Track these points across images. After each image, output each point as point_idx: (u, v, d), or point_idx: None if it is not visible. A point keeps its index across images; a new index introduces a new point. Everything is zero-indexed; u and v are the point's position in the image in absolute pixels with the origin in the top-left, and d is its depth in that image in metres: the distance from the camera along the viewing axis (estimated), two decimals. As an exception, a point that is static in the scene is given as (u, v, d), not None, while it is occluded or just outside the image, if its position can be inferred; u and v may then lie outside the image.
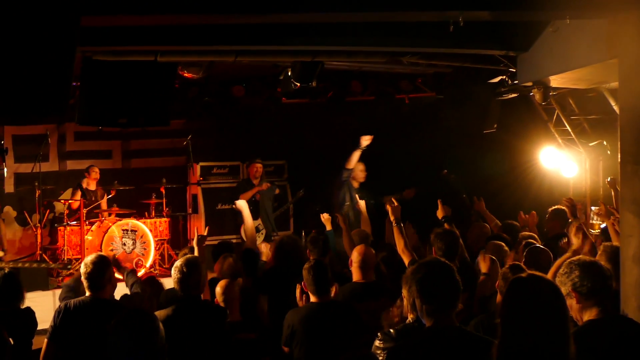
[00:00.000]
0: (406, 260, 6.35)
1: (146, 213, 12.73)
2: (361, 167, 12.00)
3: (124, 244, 11.78)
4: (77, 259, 11.24)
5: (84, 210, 11.67)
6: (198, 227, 12.59)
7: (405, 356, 3.76)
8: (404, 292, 4.75)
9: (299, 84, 9.79)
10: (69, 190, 12.87)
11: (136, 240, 11.98)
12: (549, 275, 5.08)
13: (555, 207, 8.84)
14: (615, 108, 8.94)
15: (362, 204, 9.54)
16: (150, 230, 12.22)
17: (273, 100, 12.23)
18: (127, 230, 11.94)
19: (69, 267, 10.98)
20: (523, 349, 3.18)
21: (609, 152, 10.54)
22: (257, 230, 11.64)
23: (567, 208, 7.48)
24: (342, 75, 11.85)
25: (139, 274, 11.31)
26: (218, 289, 6.13)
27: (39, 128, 12.47)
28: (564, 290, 3.83)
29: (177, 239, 13.30)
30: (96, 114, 8.87)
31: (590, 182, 11.22)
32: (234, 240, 11.60)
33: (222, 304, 6.06)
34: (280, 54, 8.76)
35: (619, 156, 6.07)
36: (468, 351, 3.69)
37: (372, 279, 6.54)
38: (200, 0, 5.89)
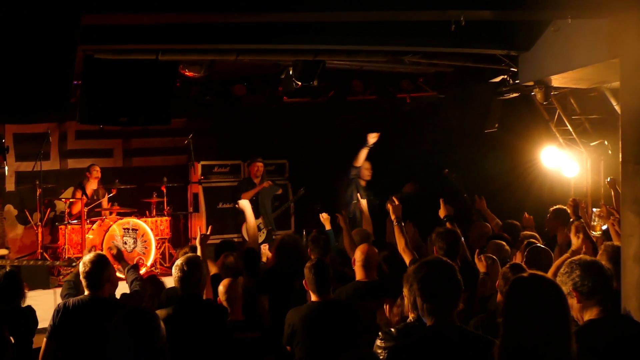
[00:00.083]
0: (407, 260, 6.36)
1: (147, 212, 12.72)
2: (367, 165, 12.07)
3: (125, 243, 11.78)
4: (78, 258, 11.23)
5: (85, 209, 11.67)
6: (200, 226, 12.57)
7: (405, 355, 3.76)
8: (405, 291, 4.76)
9: (300, 83, 9.79)
10: (70, 189, 12.86)
11: (137, 239, 11.97)
12: (549, 275, 5.07)
13: (557, 206, 8.84)
14: (617, 108, 8.94)
15: (363, 202, 9.55)
16: (151, 229, 12.22)
17: (274, 99, 12.24)
18: (128, 229, 11.93)
19: (74, 264, 10.99)
20: (524, 349, 3.18)
21: (610, 152, 10.53)
22: (259, 229, 11.65)
23: (570, 208, 7.49)
24: (344, 74, 11.86)
25: (140, 272, 11.33)
26: (221, 288, 6.13)
27: (40, 126, 12.46)
28: (564, 289, 3.82)
29: (178, 237, 13.30)
30: (97, 112, 8.86)
31: (592, 182, 11.21)
32: (236, 239, 11.60)
33: (224, 303, 6.06)
34: (282, 52, 8.76)
35: (620, 156, 6.06)
36: (469, 350, 3.69)
37: (375, 278, 6.55)
38: (201, -1, 5.90)
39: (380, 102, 12.65)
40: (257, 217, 11.69)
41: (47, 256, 11.70)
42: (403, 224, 6.66)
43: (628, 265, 5.73)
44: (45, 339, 5.65)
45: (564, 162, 11.28)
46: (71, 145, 13.51)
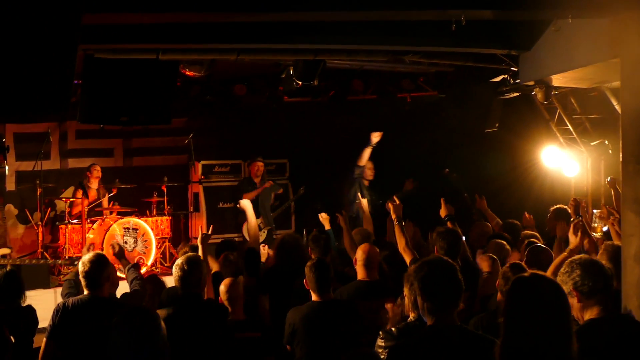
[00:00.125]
0: (407, 259, 6.35)
1: (147, 211, 12.73)
2: (370, 165, 12.11)
3: (126, 242, 11.78)
4: (79, 257, 11.22)
5: (86, 209, 11.68)
6: (201, 225, 12.57)
7: (406, 355, 3.76)
8: (406, 291, 4.77)
9: (300, 83, 9.80)
10: (71, 189, 12.87)
11: (137, 239, 11.98)
12: (548, 274, 5.07)
13: (557, 206, 8.84)
14: (617, 107, 8.94)
15: (364, 202, 9.54)
16: (152, 229, 12.22)
17: (275, 99, 12.24)
18: (128, 228, 11.93)
19: (75, 263, 10.99)
20: (526, 348, 3.18)
21: (610, 152, 10.54)
22: (259, 228, 11.65)
23: (571, 207, 7.50)
24: (344, 74, 11.86)
25: (141, 271, 11.33)
26: (222, 287, 6.13)
27: (40, 126, 12.46)
28: (565, 289, 3.82)
29: (178, 237, 13.29)
30: (98, 112, 8.86)
31: (592, 182, 11.22)
32: (236, 239, 11.60)
33: (226, 302, 6.06)
34: (282, 52, 8.76)
35: (621, 155, 6.07)
36: (469, 350, 3.69)
37: (376, 277, 6.55)
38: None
39: (381, 102, 12.64)
40: (257, 217, 11.70)
41: (47, 256, 11.70)
42: (403, 223, 6.65)
43: (628, 265, 5.73)
44: (44, 339, 5.65)
45: (564, 162, 11.29)
46: (71, 144, 13.51)
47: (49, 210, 12.30)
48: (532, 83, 9.00)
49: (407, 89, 12.45)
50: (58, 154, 13.36)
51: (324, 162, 13.72)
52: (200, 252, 6.54)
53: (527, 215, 9.58)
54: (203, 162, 13.40)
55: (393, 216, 6.77)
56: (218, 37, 7.57)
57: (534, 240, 7.54)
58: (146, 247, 12.05)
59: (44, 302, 8.78)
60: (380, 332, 4.76)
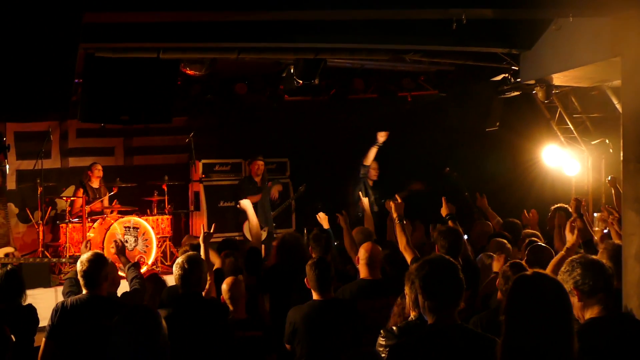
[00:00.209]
0: (408, 258, 6.35)
1: (148, 210, 12.72)
2: (374, 165, 12.13)
3: (126, 241, 11.77)
4: (80, 256, 11.21)
5: (87, 208, 11.68)
6: (203, 224, 12.54)
7: (406, 354, 3.75)
8: (407, 289, 4.77)
9: (301, 82, 9.80)
10: (72, 188, 12.87)
11: (138, 238, 11.97)
12: (547, 272, 5.07)
13: (558, 205, 8.84)
14: (618, 106, 8.95)
15: (364, 201, 9.54)
16: (152, 228, 12.21)
17: (275, 97, 12.23)
18: (129, 227, 11.93)
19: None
20: (527, 347, 3.17)
21: (611, 151, 10.55)
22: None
23: (572, 206, 7.50)
24: (345, 72, 11.85)
25: (141, 271, 11.33)
26: (224, 286, 6.13)
27: (41, 125, 12.45)
28: (565, 288, 3.82)
29: (179, 236, 13.24)
30: (98, 111, 8.87)
31: (593, 181, 11.24)
32: (237, 238, 11.60)
33: (227, 301, 6.05)
34: (283, 51, 8.76)
35: (622, 154, 6.07)
36: (470, 349, 3.68)
37: (379, 276, 6.54)
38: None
39: (382, 101, 12.64)
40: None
41: (48, 254, 11.70)
42: (404, 223, 6.65)
43: (629, 264, 5.73)
44: (44, 339, 5.65)
45: (565, 161, 11.30)
46: (72, 143, 13.50)
47: (49, 209, 12.29)
48: (532, 82, 9.00)
49: (407, 87, 12.44)
50: (59, 152, 13.35)
51: (325, 161, 13.72)
52: (202, 251, 6.54)
53: (526, 213, 9.58)
54: (204, 161, 13.39)
55: (394, 215, 6.76)
56: (219, 36, 7.58)
57: (535, 239, 7.54)
58: (147, 246, 12.04)
59: (44, 301, 8.78)
60: (382, 331, 4.76)
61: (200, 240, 6.74)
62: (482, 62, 9.20)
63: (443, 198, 7.43)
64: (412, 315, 4.78)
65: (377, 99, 12.61)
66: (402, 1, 6.16)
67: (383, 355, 4.50)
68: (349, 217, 7.99)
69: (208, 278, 6.15)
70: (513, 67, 8.96)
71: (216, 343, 5.56)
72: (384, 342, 4.64)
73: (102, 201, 12.30)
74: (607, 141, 10.64)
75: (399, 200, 6.89)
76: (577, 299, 3.96)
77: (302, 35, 7.69)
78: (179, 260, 5.72)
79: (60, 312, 5.64)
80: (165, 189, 12.75)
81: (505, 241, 7.43)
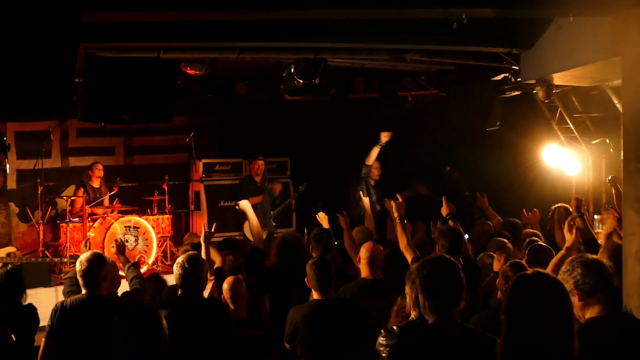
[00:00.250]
0: (409, 258, 6.35)
1: (148, 210, 12.72)
2: (377, 165, 12.13)
3: (127, 241, 11.77)
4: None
5: (87, 207, 11.68)
6: (204, 223, 12.55)
7: (406, 353, 3.75)
8: (407, 289, 4.77)
9: (301, 81, 9.80)
10: (72, 187, 12.87)
11: (138, 237, 11.97)
12: (547, 272, 5.08)
13: (558, 204, 8.84)
14: (618, 106, 8.95)
15: (365, 201, 9.54)
16: (153, 227, 12.21)
17: (276, 97, 12.24)
18: (129, 227, 11.93)
19: (78, 261, 10.99)
20: (527, 346, 3.17)
21: (611, 150, 10.55)
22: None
23: (573, 206, 7.50)
24: (345, 72, 11.86)
25: (142, 270, 11.32)
26: (225, 286, 6.13)
27: (41, 124, 12.46)
28: (566, 287, 3.82)
29: (179, 235, 13.25)
30: (99, 110, 8.87)
31: (593, 180, 11.24)
32: (238, 237, 11.60)
33: (229, 301, 6.05)
34: (283, 50, 8.76)
35: (622, 154, 6.07)
36: (470, 348, 3.68)
37: (380, 275, 6.54)
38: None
39: (382, 100, 12.65)
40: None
41: (48, 254, 11.70)
42: (405, 222, 6.65)
43: (629, 264, 5.73)
44: (43, 339, 5.66)
45: (565, 160, 11.30)
46: (73, 143, 13.50)
47: (50, 208, 12.29)
48: (533, 81, 9.00)
49: (408, 87, 12.46)
50: (59, 152, 13.35)
51: (325, 160, 13.72)
52: (203, 250, 6.53)
53: (525, 212, 9.57)
54: (204, 160, 13.40)
55: (395, 214, 6.76)
56: (219, 36, 7.58)
57: (536, 238, 7.54)
58: (147, 246, 12.05)
59: (44, 301, 8.79)
60: (382, 331, 4.76)
61: (201, 239, 6.74)
62: (482, 61, 9.21)
63: (443, 198, 7.43)
64: (413, 314, 4.78)
65: (377, 98, 12.62)
66: (402, 0, 6.16)
67: (383, 354, 4.50)
68: (350, 217, 7.99)
69: (209, 278, 6.15)
70: (513, 67, 8.96)
71: (216, 343, 5.56)
72: (384, 342, 4.64)
73: (102, 201, 12.30)
74: (607, 141, 10.63)
75: (400, 200, 6.88)
76: (577, 298, 3.96)
77: (302, 34, 7.69)
78: (180, 259, 5.72)
79: (59, 312, 5.65)
80: (166, 189, 12.75)
81: (505, 240, 7.43)
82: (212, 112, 13.33)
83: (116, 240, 7.17)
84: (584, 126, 11.08)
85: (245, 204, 9.03)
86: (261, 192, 12.26)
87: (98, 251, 6.25)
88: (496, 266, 6.52)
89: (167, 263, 12.31)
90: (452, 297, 3.76)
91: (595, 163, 11.19)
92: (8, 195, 12.22)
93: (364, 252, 6.54)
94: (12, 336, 4.79)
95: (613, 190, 8.54)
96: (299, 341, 5.79)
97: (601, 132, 10.78)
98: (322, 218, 8.31)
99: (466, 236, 7.72)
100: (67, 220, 11.71)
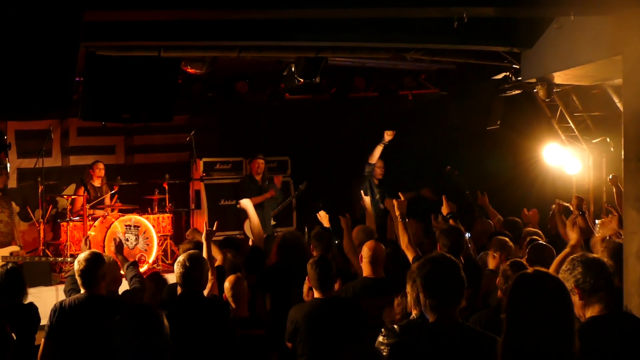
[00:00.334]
0: (410, 256, 6.35)
1: (149, 209, 12.73)
2: (380, 164, 12.14)
3: (127, 240, 11.78)
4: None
5: (87, 206, 11.68)
6: (205, 222, 12.53)
7: (407, 352, 3.75)
8: (408, 288, 4.77)
9: (302, 80, 9.79)
10: (72, 186, 12.87)
11: (139, 236, 11.98)
12: (550, 271, 5.08)
13: (558, 201, 8.86)
14: (619, 105, 8.95)
15: (366, 200, 9.54)
16: (153, 226, 12.22)
17: (276, 96, 12.23)
18: (130, 225, 11.93)
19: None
20: (528, 346, 3.17)
21: (612, 149, 10.54)
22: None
23: (573, 204, 7.51)
24: (346, 71, 11.85)
25: (142, 269, 11.33)
26: (227, 285, 6.13)
27: (42, 123, 12.46)
28: (566, 286, 3.82)
29: (180, 234, 13.25)
30: (99, 109, 8.87)
31: (594, 179, 11.23)
32: (238, 236, 11.60)
33: (230, 300, 6.05)
34: (284, 49, 8.76)
35: (623, 153, 6.07)
36: (471, 348, 3.68)
37: (382, 274, 6.54)
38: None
39: (383, 99, 12.64)
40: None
41: (49, 253, 11.71)
42: (407, 221, 6.65)
43: (630, 263, 5.73)
44: (43, 339, 5.66)
45: (566, 159, 11.30)
46: (73, 142, 13.50)
47: (50, 207, 12.30)
48: (534, 80, 9.00)
49: (408, 86, 12.45)
50: (60, 151, 13.34)
51: (326, 159, 13.71)
52: (204, 249, 6.53)
53: (526, 211, 9.58)
54: (204, 159, 13.40)
55: (397, 213, 6.75)
56: (220, 35, 7.58)
57: (536, 237, 7.54)
58: (147, 245, 12.05)
59: (45, 300, 8.78)
60: (382, 329, 4.76)
61: (203, 238, 6.74)
62: (483, 60, 9.21)
63: (444, 197, 7.44)
64: (414, 313, 4.78)
65: (378, 97, 12.61)
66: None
67: (384, 353, 4.50)
68: (353, 216, 7.99)
69: (210, 276, 6.15)
70: (514, 66, 8.97)
71: (217, 342, 5.56)
72: (384, 341, 4.64)
73: (103, 199, 12.30)
74: (608, 140, 10.63)
75: (402, 199, 6.88)
76: (578, 297, 3.96)
77: (303, 33, 7.69)
78: (180, 258, 5.72)
79: (58, 313, 5.65)
80: (166, 188, 12.75)
81: (507, 239, 7.42)
82: (212, 111, 13.33)
83: (114, 240, 7.17)
84: (584, 125, 11.07)
85: (246, 203, 9.04)
86: (262, 191, 12.25)
87: (96, 250, 6.25)
88: (491, 264, 6.53)
89: (167, 262, 12.31)
90: (452, 296, 3.76)
91: (595, 162, 11.18)
92: (9, 194, 12.23)
93: (365, 251, 6.53)
94: (13, 335, 4.79)
95: (614, 189, 8.54)
96: (299, 340, 5.79)
97: (602, 131, 10.77)
98: (323, 217, 8.31)
99: (468, 235, 7.73)
100: (68, 219, 11.72)
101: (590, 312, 3.98)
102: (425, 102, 12.73)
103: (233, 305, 6.03)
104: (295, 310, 5.88)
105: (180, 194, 13.57)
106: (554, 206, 9.15)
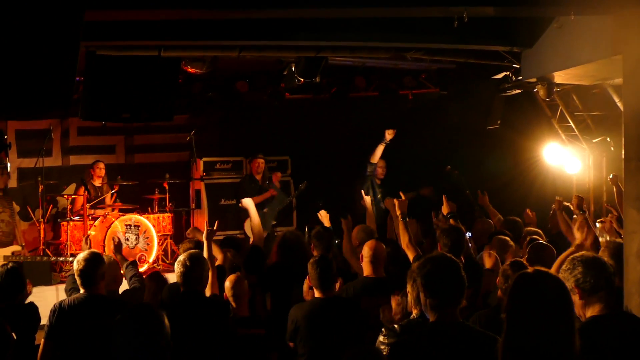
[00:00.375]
0: (410, 256, 6.35)
1: (149, 208, 12.73)
2: (382, 163, 12.14)
3: (127, 239, 11.78)
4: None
5: (88, 206, 11.68)
6: (206, 221, 12.53)
7: (407, 351, 3.76)
8: (409, 287, 4.77)
9: (302, 80, 9.79)
10: (73, 185, 12.87)
11: (139, 236, 11.98)
12: (552, 271, 5.08)
13: (558, 197, 8.86)
14: (619, 104, 8.94)
15: (367, 199, 9.53)
16: (154, 226, 12.22)
17: (277, 95, 12.22)
18: (130, 225, 11.93)
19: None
20: (528, 345, 3.17)
21: (612, 149, 10.54)
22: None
23: (574, 204, 7.51)
24: (346, 71, 11.84)
25: (142, 269, 11.33)
26: (227, 284, 6.13)
27: (42, 123, 12.45)
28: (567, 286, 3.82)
29: (180, 234, 13.26)
30: (100, 109, 8.87)
31: (594, 179, 11.23)
32: (238, 235, 11.60)
33: (231, 299, 6.05)
34: (284, 49, 8.76)
35: (623, 152, 6.06)
36: (471, 347, 3.68)
37: (383, 274, 6.53)
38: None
39: (383, 99, 12.62)
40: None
41: (49, 252, 11.72)
42: (408, 220, 6.65)
43: (630, 262, 5.73)
44: (43, 340, 5.66)
45: (566, 159, 11.29)
46: (73, 141, 13.50)
47: (50, 207, 12.30)
48: (534, 80, 9.00)
49: (409, 86, 12.45)
50: (60, 150, 13.35)
51: (326, 159, 13.70)
52: (205, 248, 6.53)
53: (528, 211, 9.58)
54: (205, 159, 13.39)
55: (397, 212, 6.75)
56: (220, 34, 7.58)
57: (537, 237, 7.54)
58: (148, 244, 12.05)
59: (45, 299, 8.78)
60: (383, 329, 4.76)
61: (204, 237, 6.74)
62: (483, 60, 9.21)
63: (444, 196, 7.43)
64: (414, 313, 4.79)
65: (378, 97, 12.60)
66: (403, -1, 6.17)
67: (384, 352, 4.50)
68: (355, 216, 7.98)
69: (210, 276, 6.14)
70: (514, 65, 8.97)
71: (217, 341, 5.56)
72: (385, 340, 4.64)
73: (104, 199, 12.30)
74: (608, 139, 10.63)
75: (403, 197, 6.88)
76: (578, 297, 3.96)
77: (303, 33, 7.69)
78: (181, 257, 5.73)
79: (57, 313, 5.65)
80: (167, 187, 12.75)
81: (508, 238, 7.43)
82: (212, 110, 13.31)
83: (113, 239, 7.17)
84: (584, 125, 11.07)
85: (248, 202, 9.03)
86: (262, 191, 12.25)
87: (95, 250, 6.25)
88: (487, 263, 6.52)
89: (167, 261, 12.31)
90: (453, 295, 3.76)
91: (596, 162, 11.18)
92: (9, 193, 12.23)
93: (366, 251, 6.53)
94: (13, 335, 4.79)
95: (614, 189, 8.54)
96: (300, 339, 5.79)
97: (602, 130, 10.77)
98: (324, 216, 8.30)
99: (469, 234, 7.73)
100: (68, 218, 11.72)
101: (591, 312, 3.98)
102: (425, 102, 12.72)
103: (233, 304, 6.03)
104: (295, 310, 5.88)
105: (181, 194, 13.57)
106: (554, 205, 9.15)
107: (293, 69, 9.95)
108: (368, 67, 11.58)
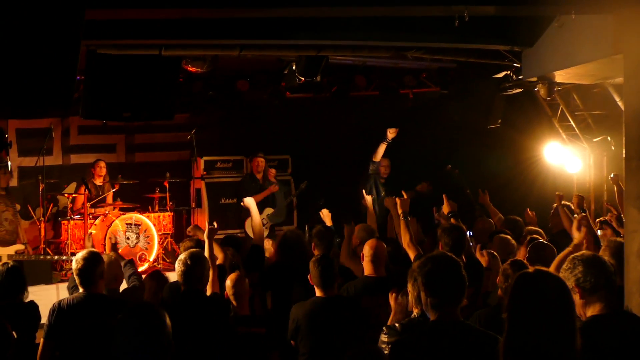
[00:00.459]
0: (412, 255, 6.35)
1: (150, 207, 12.74)
2: (385, 162, 12.15)
3: (128, 238, 11.79)
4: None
5: (88, 205, 11.69)
6: (206, 221, 12.54)
7: (407, 350, 3.76)
8: (409, 286, 4.77)
9: (303, 79, 9.79)
10: (73, 184, 12.87)
11: (140, 235, 11.98)
12: (551, 269, 5.07)
13: (558, 193, 8.88)
14: (620, 104, 8.94)
15: (368, 199, 9.54)
16: (154, 225, 12.22)
17: (277, 94, 12.21)
18: (130, 224, 11.94)
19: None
20: (529, 345, 3.17)
21: (613, 148, 10.54)
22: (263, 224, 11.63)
23: (574, 203, 7.51)
24: (347, 70, 11.84)
25: (143, 268, 11.34)
26: (228, 283, 6.13)
27: (43, 122, 12.45)
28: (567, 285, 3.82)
29: (180, 233, 13.26)
30: (100, 107, 8.87)
31: (594, 178, 11.23)
32: (239, 234, 11.61)
33: (231, 298, 6.05)
34: (285, 48, 8.75)
35: (624, 152, 6.06)
36: (471, 346, 3.68)
37: (384, 273, 6.53)
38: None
39: (383, 98, 12.61)
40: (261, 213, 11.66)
41: (49, 251, 11.72)
42: (409, 219, 6.65)
43: (631, 262, 5.73)
44: (42, 339, 5.66)
45: (566, 158, 11.29)
46: (74, 140, 13.51)
47: (51, 206, 12.32)
48: (534, 79, 9.00)
49: (409, 85, 12.44)
50: (60, 149, 13.36)
51: (326, 158, 13.71)
52: (206, 247, 6.53)
53: (529, 211, 9.58)
54: (205, 158, 13.40)
55: (399, 211, 6.75)
56: (221, 33, 7.57)
57: (537, 236, 7.53)
58: (148, 243, 12.06)
59: (45, 298, 8.78)
60: (384, 328, 4.76)
61: (205, 236, 6.74)
62: (484, 59, 9.20)
63: (444, 196, 7.43)
64: (415, 312, 4.79)
65: (378, 96, 12.59)
66: (404, -2, 6.18)
67: (385, 351, 4.50)
68: (358, 218, 7.98)
69: (211, 275, 6.14)
70: (515, 65, 8.96)
71: (218, 340, 5.56)
72: (386, 339, 4.64)
73: (105, 198, 12.31)
74: (609, 138, 10.63)
75: (405, 197, 6.88)
76: (578, 296, 3.96)
77: (304, 32, 7.68)
78: (182, 256, 5.73)
79: (56, 312, 5.65)
80: (167, 186, 12.76)
81: (509, 238, 7.42)
82: (213, 109, 13.32)
83: (110, 239, 7.17)
84: (585, 124, 11.07)
85: (250, 201, 9.04)
86: (263, 189, 12.26)
87: (94, 249, 6.26)
88: (482, 262, 6.52)
89: (168, 260, 12.32)
90: (454, 294, 3.76)
91: (596, 161, 11.18)
92: (10, 192, 12.24)
93: (367, 250, 6.52)
94: (14, 333, 4.79)
95: (615, 188, 8.54)
96: (301, 338, 5.79)
97: (603, 129, 10.77)
98: (326, 215, 8.31)
99: (470, 233, 7.72)
100: (69, 217, 11.72)
101: (591, 311, 3.98)
102: (426, 101, 12.71)
103: (234, 303, 6.04)
104: (296, 309, 5.88)
105: (181, 193, 13.58)
106: (555, 205, 9.14)
107: (294, 68, 9.95)
108: (369, 66, 11.58)
